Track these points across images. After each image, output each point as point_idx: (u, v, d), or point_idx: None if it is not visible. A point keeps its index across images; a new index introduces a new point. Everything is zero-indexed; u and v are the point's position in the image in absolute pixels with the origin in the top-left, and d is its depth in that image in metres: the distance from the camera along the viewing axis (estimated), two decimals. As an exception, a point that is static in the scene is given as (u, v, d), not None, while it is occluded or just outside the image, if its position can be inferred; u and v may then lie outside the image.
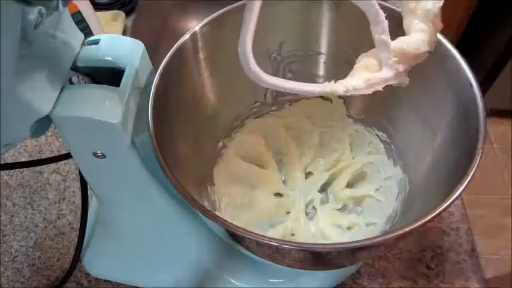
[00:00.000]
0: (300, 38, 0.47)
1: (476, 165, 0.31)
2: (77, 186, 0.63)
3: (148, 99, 0.36)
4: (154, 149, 0.34)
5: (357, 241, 0.30)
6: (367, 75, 0.30)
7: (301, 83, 0.31)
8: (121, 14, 0.78)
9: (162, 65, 0.39)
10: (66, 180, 0.64)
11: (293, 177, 0.52)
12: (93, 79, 0.38)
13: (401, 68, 0.29)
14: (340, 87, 0.30)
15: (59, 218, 0.60)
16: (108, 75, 0.37)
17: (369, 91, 0.30)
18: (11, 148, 0.66)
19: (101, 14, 0.75)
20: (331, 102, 0.51)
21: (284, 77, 0.40)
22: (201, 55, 0.43)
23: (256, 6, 0.29)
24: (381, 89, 0.30)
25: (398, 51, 0.29)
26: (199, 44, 0.42)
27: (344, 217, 0.48)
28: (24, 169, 0.65)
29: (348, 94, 0.30)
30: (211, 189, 0.48)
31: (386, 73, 0.30)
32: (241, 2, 0.40)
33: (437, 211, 0.30)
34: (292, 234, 0.48)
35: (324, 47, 0.47)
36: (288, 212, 0.49)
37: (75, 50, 0.36)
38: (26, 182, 0.64)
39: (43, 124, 0.34)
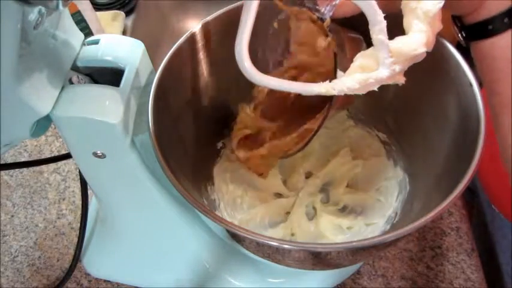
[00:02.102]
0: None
1: (476, 165, 0.31)
2: (77, 186, 0.63)
3: (148, 99, 0.36)
4: (154, 149, 0.34)
5: (357, 241, 0.30)
6: (362, 76, 0.30)
7: (296, 83, 0.31)
8: (121, 14, 0.78)
9: (162, 65, 0.39)
10: (66, 180, 0.64)
11: (293, 178, 0.52)
12: (93, 79, 0.38)
13: (398, 68, 0.29)
14: (335, 87, 0.30)
15: (59, 218, 0.60)
16: (108, 75, 0.37)
17: (364, 91, 0.30)
18: (11, 148, 0.66)
19: (101, 14, 0.75)
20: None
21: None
22: (201, 55, 0.43)
23: (253, 7, 0.30)
24: (375, 89, 0.30)
25: (395, 51, 0.29)
26: (199, 44, 0.42)
27: (344, 217, 0.48)
28: (24, 169, 0.65)
29: (343, 94, 0.30)
30: (211, 189, 0.48)
31: (382, 73, 0.29)
32: (239, 2, 0.40)
33: (437, 211, 0.30)
34: (292, 234, 0.48)
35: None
36: (288, 212, 0.49)
37: (75, 50, 0.36)
38: (26, 182, 0.64)
39: (43, 124, 0.34)
